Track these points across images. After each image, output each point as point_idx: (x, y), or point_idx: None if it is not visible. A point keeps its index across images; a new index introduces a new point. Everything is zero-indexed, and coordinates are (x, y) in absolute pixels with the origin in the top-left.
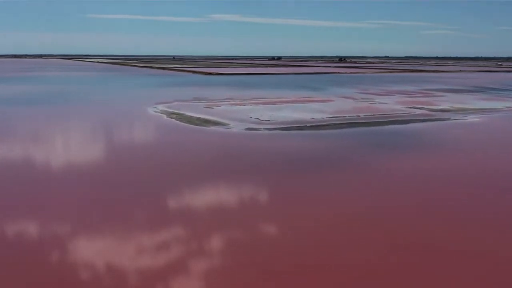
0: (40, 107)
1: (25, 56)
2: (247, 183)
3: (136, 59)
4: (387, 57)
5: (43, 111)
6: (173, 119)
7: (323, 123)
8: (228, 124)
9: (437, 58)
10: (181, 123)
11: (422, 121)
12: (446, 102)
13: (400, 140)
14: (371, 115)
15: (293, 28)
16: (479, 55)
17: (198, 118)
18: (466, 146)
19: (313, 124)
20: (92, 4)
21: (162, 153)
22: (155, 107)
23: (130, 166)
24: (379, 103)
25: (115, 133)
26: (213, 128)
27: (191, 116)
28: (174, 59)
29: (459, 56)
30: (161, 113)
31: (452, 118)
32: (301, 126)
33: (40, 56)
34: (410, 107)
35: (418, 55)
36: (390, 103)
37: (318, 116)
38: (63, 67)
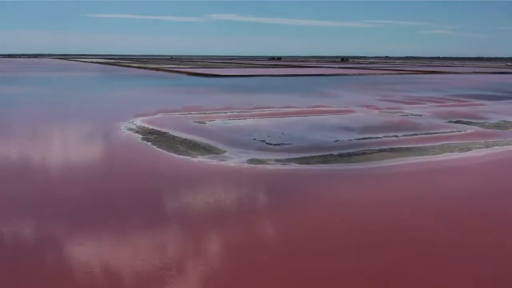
0: None
1: (21, 55)
2: None
3: (132, 59)
4: (387, 57)
5: None
6: (150, 143)
7: (355, 150)
8: (224, 152)
9: (439, 58)
10: (159, 149)
11: (487, 146)
12: (492, 113)
13: (479, 183)
14: (412, 135)
15: (293, 28)
16: (480, 55)
17: (184, 141)
18: None
19: (342, 151)
20: (92, 4)
21: (99, 219)
22: (132, 122)
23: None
24: (412, 115)
25: (53, 168)
26: (201, 159)
27: (174, 137)
28: (172, 58)
29: (460, 56)
30: (136, 131)
31: None
32: (326, 156)
33: (36, 55)
34: (455, 122)
35: (418, 55)
36: (426, 116)
37: (344, 136)
38: (51, 67)
